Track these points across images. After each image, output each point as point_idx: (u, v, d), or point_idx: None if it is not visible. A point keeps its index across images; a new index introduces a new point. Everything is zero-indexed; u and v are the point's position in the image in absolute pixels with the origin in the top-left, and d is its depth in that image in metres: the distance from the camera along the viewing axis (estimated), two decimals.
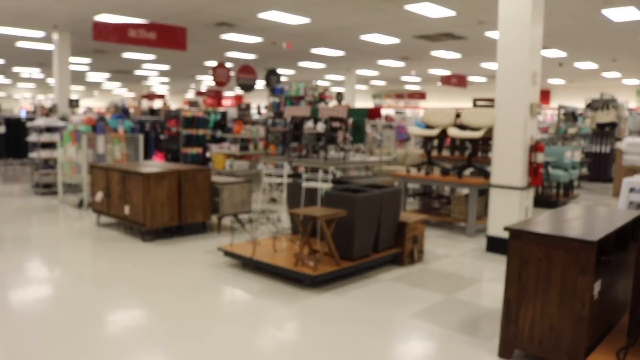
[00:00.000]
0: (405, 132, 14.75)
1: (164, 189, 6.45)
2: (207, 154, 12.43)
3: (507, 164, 6.07)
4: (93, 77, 29.78)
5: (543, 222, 3.73)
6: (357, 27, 13.51)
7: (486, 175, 7.19)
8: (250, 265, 5.53)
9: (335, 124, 8.38)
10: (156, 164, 7.48)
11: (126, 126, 9.16)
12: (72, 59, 15.19)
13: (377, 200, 5.25)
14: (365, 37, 14.95)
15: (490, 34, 13.86)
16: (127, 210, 6.71)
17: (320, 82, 31.35)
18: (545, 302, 3.38)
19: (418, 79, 27.65)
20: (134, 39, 10.03)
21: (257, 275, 5.31)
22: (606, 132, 14.69)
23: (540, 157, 5.96)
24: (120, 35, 9.86)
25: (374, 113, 9.29)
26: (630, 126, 16.56)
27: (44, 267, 5.51)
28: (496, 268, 5.83)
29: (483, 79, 26.51)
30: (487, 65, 20.52)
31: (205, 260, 5.86)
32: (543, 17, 6.17)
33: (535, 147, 5.96)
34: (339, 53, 18.33)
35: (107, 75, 28.67)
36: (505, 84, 6.05)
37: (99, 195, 7.27)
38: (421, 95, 30.31)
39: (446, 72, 23.11)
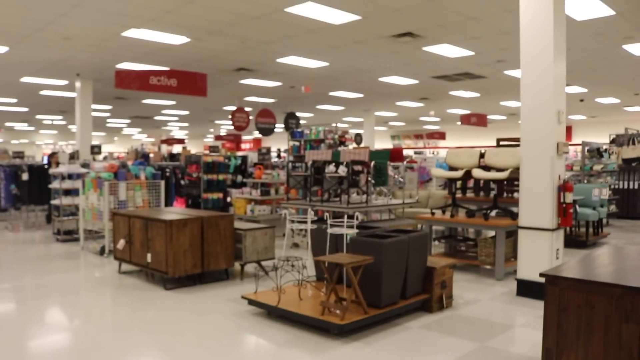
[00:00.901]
0: (426, 173, 14.63)
1: (186, 236, 6.38)
2: (228, 199, 12.41)
3: (536, 205, 5.92)
4: (113, 122, 30.29)
5: (580, 267, 3.57)
6: (375, 70, 13.60)
7: (513, 216, 7.03)
8: (275, 314, 5.39)
9: (357, 167, 8.31)
10: (178, 211, 7.45)
11: (147, 172, 9.18)
12: (93, 106, 15.44)
13: (404, 245, 5.12)
14: (383, 79, 15.03)
15: (510, 72, 13.84)
16: (149, 257, 6.65)
17: (339, 124, 31.52)
18: (588, 352, 3.20)
19: (437, 119, 27.66)
20: (155, 85, 10.15)
21: (282, 324, 5.17)
22: (633, 167, 14.43)
23: (570, 197, 5.81)
24: (142, 82, 9.98)
25: (396, 155, 9.22)
26: None
27: (64, 315, 5.43)
28: (528, 313, 5.61)
29: (503, 117, 26.42)
30: (506, 103, 20.46)
31: (229, 308, 5.73)
32: (565, 54, 6.11)
33: (563, 187, 5.81)
34: (358, 95, 18.44)
35: (127, 121, 29.14)
36: (530, 123, 5.96)
37: (121, 243, 7.23)
38: (440, 135, 30.25)
39: (465, 111, 23.08)
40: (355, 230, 5.20)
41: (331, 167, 8.86)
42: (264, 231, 7.00)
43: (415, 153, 23.78)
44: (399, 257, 5.05)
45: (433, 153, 27.87)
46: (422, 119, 27.66)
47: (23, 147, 37.91)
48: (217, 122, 30.55)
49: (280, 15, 8.75)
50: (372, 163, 8.39)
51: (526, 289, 6.13)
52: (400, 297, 5.28)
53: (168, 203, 12.42)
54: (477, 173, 7.10)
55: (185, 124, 32.54)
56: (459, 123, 29.11)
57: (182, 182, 12.63)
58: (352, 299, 4.92)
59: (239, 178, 12.79)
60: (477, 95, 18.17)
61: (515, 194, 7.63)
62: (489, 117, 25.34)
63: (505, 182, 7.61)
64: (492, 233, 7.62)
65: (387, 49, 11.22)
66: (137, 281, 7.03)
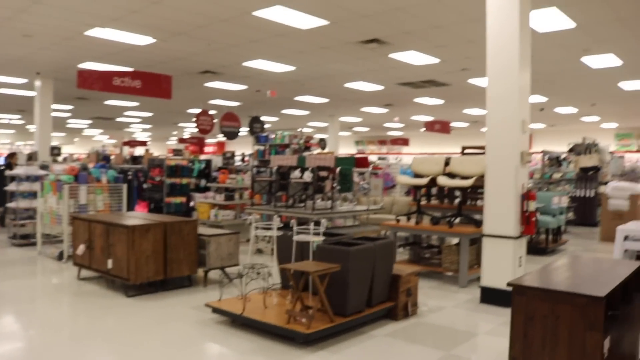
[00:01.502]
0: (391, 180, 14.74)
1: (148, 241, 6.25)
2: (191, 204, 12.24)
3: (499, 213, 5.99)
4: (74, 123, 29.60)
5: (545, 276, 3.61)
6: (341, 75, 13.62)
7: (477, 223, 7.11)
8: (240, 322, 5.31)
9: (323, 173, 8.29)
10: (140, 215, 7.29)
11: (109, 176, 8.97)
12: (53, 106, 15.03)
13: (371, 253, 5.11)
14: (349, 85, 15.07)
15: (473, 81, 14.05)
16: (110, 263, 6.48)
17: (304, 129, 31.52)
18: None
19: (401, 125, 27.90)
20: (118, 87, 9.94)
21: (247, 332, 5.09)
22: (590, 176, 14.79)
23: (533, 205, 5.90)
24: (104, 83, 9.76)
25: (361, 162, 9.24)
26: (612, 170, 16.72)
27: (18, 325, 5.24)
28: (493, 320, 5.67)
29: (465, 124, 26.83)
30: (469, 110, 20.76)
31: (192, 316, 5.62)
32: (529, 66, 6.21)
33: (527, 195, 5.90)
34: (323, 100, 18.45)
35: (88, 121, 28.52)
36: (495, 132, 6.03)
37: (81, 248, 7.04)
38: (404, 141, 30.53)
39: (429, 118, 23.35)
40: (321, 238, 5.17)
41: (296, 173, 8.82)
42: (228, 237, 6.90)
43: (379, 159, 23.93)
44: (365, 265, 5.04)
45: (396, 159, 28.08)
46: (386, 125, 27.86)
47: None
48: (181, 124, 30.18)
49: (247, 19, 8.68)
50: (338, 169, 8.38)
51: (490, 296, 6.20)
52: (366, 305, 5.27)
53: (130, 207, 12.18)
54: (442, 181, 7.16)
55: (149, 126, 32.03)
56: (423, 130, 29.46)
57: (145, 185, 12.41)
58: (318, 307, 4.88)
59: (203, 182, 12.63)
60: (441, 102, 18.38)
61: (479, 202, 7.73)
62: (452, 124, 25.71)
63: (469, 190, 7.69)
64: (455, 240, 7.70)
65: (353, 55, 11.25)
66: (97, 288, 6.84)
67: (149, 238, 6.24)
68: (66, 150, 41.38)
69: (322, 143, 24.10)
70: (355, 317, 5.02)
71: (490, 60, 6.13)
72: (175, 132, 36.71)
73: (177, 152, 12.81)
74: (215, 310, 5.31)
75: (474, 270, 7.25)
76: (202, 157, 17.72)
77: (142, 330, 5.13)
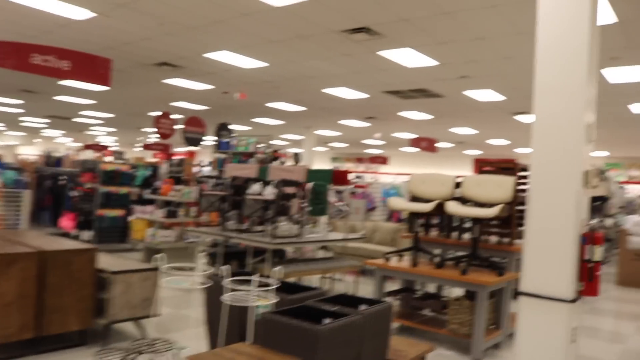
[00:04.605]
0: (371, 201, 12.74)
1: (11, 280, 4.08)
2: (130, 218, 10.07)
3: (547, 262, 3.99)
4: (30, 121, 27.03)
5: None
6: (320, 77, 11.62)
7: (498, 269, 5.10)
8: None
9: (289, 189, 6.25)
10: (12, 238, 5.12)
11: (6, 178, 6.79)
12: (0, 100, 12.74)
13: (355, 330, 3.03)
14: (328, 90, 13.07)
15: (469, 93, 12.20)
16: None
17: (277, 142, 29.51)
18: None
19: (381, 142, 26.06)
20: (39, 66, 7.77)
21: None
22: (595, 207, 13.00)
23: (599, 253, 3.91)
24: (20, 59, 7.59)
25: (340, 177, 7.22)
26: (617, 202, 14.99)
27: None
28: None
29: (450, 145, 25.06)
30: (457, 129, 18.95)
31: None
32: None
33: (590, 237, 3.91)
34: (299, 108, 16.45)
35: (45, 120, 25.98)
36: (545, 139, 4.03)
37: None
38: (383, 160, 28.68)
39: (412, 136, 21.51)
40: (271, 298, 3.08)
41: (255, 187, 6.77)
42: (143, 275, 4.75)
43: (357, 177, 22.00)
44: (345, 351, 2.96)
45: (373, 178, 26.20)
46: (365, 141, 25.97)
47: None
48: (145, 129, 27.88)
49: None
50: (310, 185, 6.35)
51: None
52: None
53: (55, 220, 9.96)
54: (453, 208, 5.15)
55: (113, 129, 29.62)
56: (403, 149, 27.67)
57: (72, 193, 10.18)
58: None
59: (147, 193, 10.48)
60: (429, 117, 16.51)
61: (504, 239, 5.73)
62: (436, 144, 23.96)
63: (484, 222, 5.71)
64: (461, 290, 5.64)
65: (336, 50, 9.27)
66: None
67: (11, 275, 4.07)
68: (25, 151, 38.75)
69: (297, 157, 22.24)
70: None
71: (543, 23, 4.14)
72: (140, 138, 34.32)
73: (117, 155, 10.65)
74: None
75: (492, 333, 5.23)
76: (154, 161, 15.58)
77: None
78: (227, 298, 2.97)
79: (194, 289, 3.09)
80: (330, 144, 29.10)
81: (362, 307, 3.14)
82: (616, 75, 9.56)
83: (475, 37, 8.11)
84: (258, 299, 2.94)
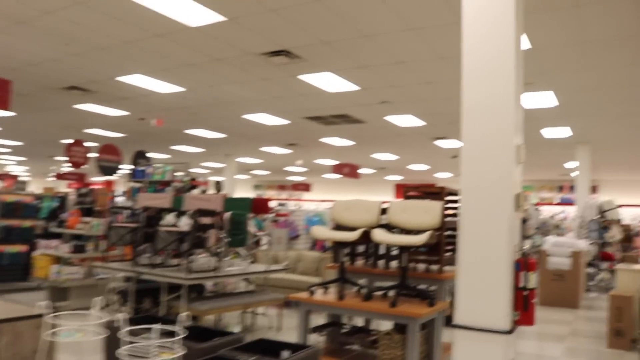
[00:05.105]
0: (294, 229, 12.38)
1: None
2: (34, 254, 9.22)
3: (480, 292, 3.76)
4: None
5: None
6: (240, 102, 11.26)
7: (429, 298, 4.85)
8: None
9: (206, 220, 5.80)
10: None
11: None
12: None
13: None
14: (249, 116, 12.73)
15: (390, 118, 12.21)
16: None
17: (197, 170, 28.70)
18: None
19: (303, 169, 25.87)
20: None
21: None
22: None
23: (533, 280, 3.73)
24: None
25: (260, 205, 6.84)
26: (533, 223, 15.36)
27: None
28: None
29: (372, 171, 25.21)
30: (378, 155, 19.04)
31: None
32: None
33: (524, 264, 3.73)
34: (219, 135, 15.98)
35: None
36: (474, 161, 3.85)
37: None
38: (305, 187, 28.49)
39: (334, 162, 21.44)
40: (178, 350, 2.64)
41: (169, 218, 6.27)
42: (35, 322, 4.16)
43: (279, 205, 21.62)
44: None
45: (296, 205, 25.90)
46: (287, 168, 25.71)
47: None
48: (58, 158, 26.33)
49: (114, 5, 6.20)
50: (228, 214, 5.92)
51: None
52: None
53: None
54: (380, 236, 4.87)
55: (23, 159, 27.82)
56: (326, 175, 27.60)
57: None
58: None
59: (53, 226, 9.66)
60: (351, 143, 16.46)
61: (432, 267, 5.51)
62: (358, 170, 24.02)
63: (412, 250, 5.47)
64: (388, 323, 5.33)
65: (255, 74, 8.96)
66: None
67: None
68: None
69: (217, 186, 21.62)
70: None
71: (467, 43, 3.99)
72: (53, 167, 32.46)
73: (19, 185, 9.80)
74: None
75: None
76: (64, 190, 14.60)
77: None
78: (123, 352, 2.51)
79: (87, 341, 2.59)
80: (252, 172, 28.64)
81: (284, 354, 2.77)
82: (529, 100, 9.78)
83: (396, 61, 8.04)
84: (161, 352, 2.50)
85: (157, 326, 2.50)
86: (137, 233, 6.56)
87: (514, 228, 3.75)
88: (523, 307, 3.71)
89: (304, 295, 5.15)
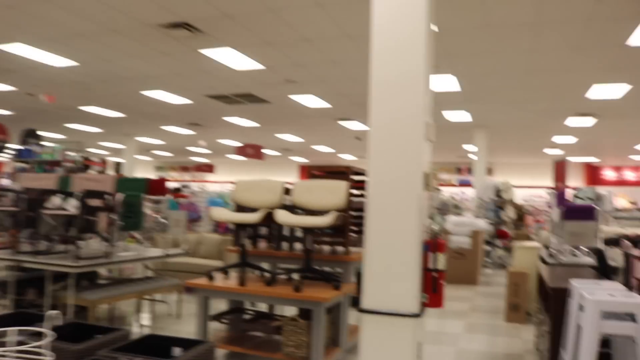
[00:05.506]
0: (196, 211, 11.93)
1: None
2: None
3: (389, 274, 3.62)
4: None
5: None
6: (138, 78, 10.58)
7: (335, 283, 4.69)
8: None
9: (96, 202, 5.32)
10: None
11: None
12: None
13: None
14: (148, 93, 12.03)
15: (295, 97, 11.95)
16: None
17: (95, 150, 27.22)
18: None
19: (207, 150, 25.16)
20: None
21: None
22: None
23: (442, 261, 3.63)
24: None
25: (156, 187, 6.41)
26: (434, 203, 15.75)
27: None
28: None
29: (277, 153, 24.94)
30: (283, 136, 18.79)
31: None
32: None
33: (433, 245, 3.62)
34: (117, 114, 15.06)
35: None
36: (382, 139, 3.67)
37: None
38: (209, 168, 27.80)
39: (238, 144, 20.98)
40: (47, 355, 2.26)
41: (55, 200, 5.72)
42: None
43: (183, 186, 20.90)
44: None
45: (200, 187, 25.21)
46: (190, 149, 24.90)
47: None
48: None
49: None
50: (121, 196, 5.47)
51: None
52: None
53: None
54: (283, 217, 4.64)
55: None
56: (230, 156, 27.02)
57: None
58: None
59: None
60: (255, 125, 16.09)
61: (339, 248, 5.35)
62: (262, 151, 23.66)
63: (318, 231, 5.29)
64: (293, 308, 5.12)
65: (154, 48, 8.38)
66: None
67: None
68: None
69: (117, 167, 20.55)
70: None
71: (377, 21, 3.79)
72: None
73: None
74: None
75: (331, 352, 4.80)
76: None
77: None
78: None
79: None
80: (153, 152, 27.54)
81: (176, 351, 2.46)
82: (434, 83, 9.87)
83: (301, 39, 7.77)
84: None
85: (14, 328, 2.10)
86: (18, 217, 5.95)
87: (423, 208, 3.63)
88: (432, 289, 3.61)
89: (202, 281, 4.84)
